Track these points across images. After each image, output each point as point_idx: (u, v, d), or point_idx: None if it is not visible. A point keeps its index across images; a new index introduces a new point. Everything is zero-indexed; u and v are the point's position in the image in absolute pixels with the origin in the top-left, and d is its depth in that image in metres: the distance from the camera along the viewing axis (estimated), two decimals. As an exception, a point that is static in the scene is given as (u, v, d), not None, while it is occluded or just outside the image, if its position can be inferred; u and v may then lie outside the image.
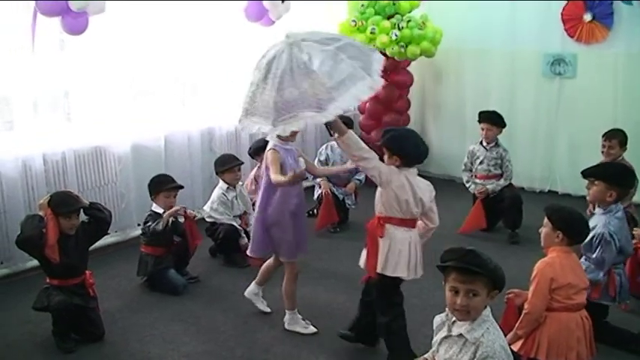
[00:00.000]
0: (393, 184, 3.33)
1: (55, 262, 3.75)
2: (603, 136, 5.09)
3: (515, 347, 3.19)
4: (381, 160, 3.41)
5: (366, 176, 4.46)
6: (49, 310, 3.79)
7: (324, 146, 5.94)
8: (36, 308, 3.87)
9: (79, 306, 3.82)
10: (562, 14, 6.35)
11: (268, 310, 4.19)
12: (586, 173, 3.91)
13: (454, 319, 2.47)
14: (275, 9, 5.67)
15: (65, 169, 5.07)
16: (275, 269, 4.06)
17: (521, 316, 3.23)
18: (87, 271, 3.94)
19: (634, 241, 3.96)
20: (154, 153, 5.64)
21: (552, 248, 3.28)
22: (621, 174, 3.90)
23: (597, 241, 3.64)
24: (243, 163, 5.34)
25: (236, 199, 5.18)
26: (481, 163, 5.64)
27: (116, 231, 5.40)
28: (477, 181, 5.65)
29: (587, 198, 4.20)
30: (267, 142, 5.39)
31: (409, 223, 3.39)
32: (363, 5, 6.75)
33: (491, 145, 5.61)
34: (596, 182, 3.80)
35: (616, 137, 5.01)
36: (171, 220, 4.53)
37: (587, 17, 6.20)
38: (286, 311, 3.99)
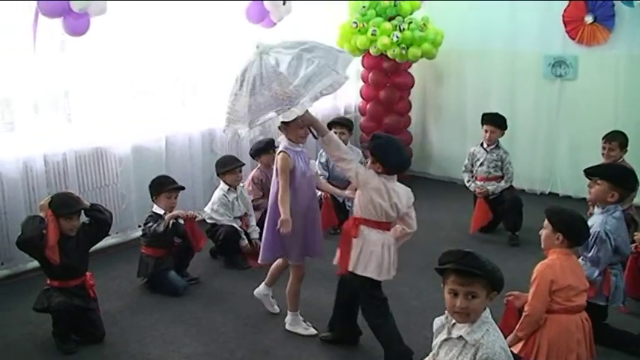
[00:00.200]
0: (369, 186, 3.41)
1: (56, 264, 3.75)
2: (603, 138, 5.08)
3: (516, 349, 3.19)
4: None
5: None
6: (50, 311, 3.79)
7: (324, 147, 5.93)
8: (36, 309, 3.86)
9: (79, 307, 3.82)
10: (563, 16, 6.32)
11: (277, 310, 4.18)
12: (590, 172, 3.89)
13: (454, 321, 2.47)
14: (276, 10, 5.66)
15: (66, 170, 5.07)
16: (283, 269, 4.03)
17: (522, 318, 3.23)
18: (87, 273, 3.94)
19: (634, 245, 3.96)
20: (154, 154, 5.64)
21: (552, 250, 3.29)
22: (625, 176, 3.88)
23: (593, 239, 3.63)
24: (244, 164, 5.33)
25: (237, 200, 5.17)
26: (481, 165, 5.62)
27: (117, 232, 5.41)
28: (477, 182, 5.64)
29: (588, 197, 4.19)
30: (267, 143, 5.46)
31: (384, 225, 3.47)
32: (364, 7, 6.74)
33: (492, 147, 5.60)
34: (599, 182, 3.78)
35: (616, 139, 5.00)
36: (172, 221, 4.53)
37: (589, 19, 6.18)
38: (288, 312, 3.99)
